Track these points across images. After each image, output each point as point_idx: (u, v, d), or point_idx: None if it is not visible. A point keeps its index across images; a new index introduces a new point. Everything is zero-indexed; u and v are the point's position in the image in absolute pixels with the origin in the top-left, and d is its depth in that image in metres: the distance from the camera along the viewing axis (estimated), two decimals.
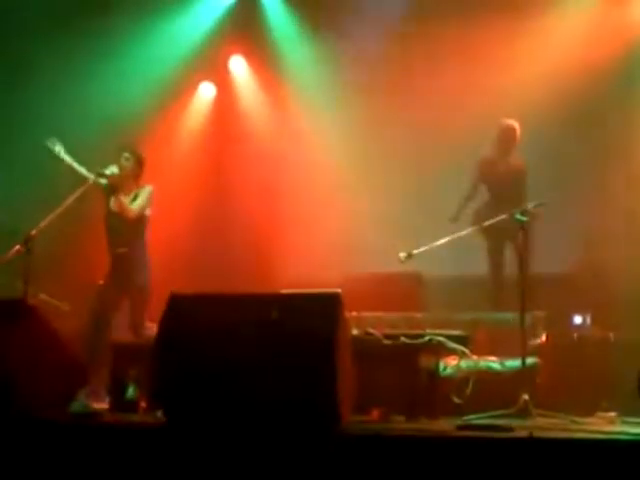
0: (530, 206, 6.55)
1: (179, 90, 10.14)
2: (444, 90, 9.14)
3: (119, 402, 6.20)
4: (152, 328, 6.06)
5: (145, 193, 7.65)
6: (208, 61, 10.26)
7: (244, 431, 4.73)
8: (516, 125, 8.22)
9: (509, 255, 7.91)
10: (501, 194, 8.07)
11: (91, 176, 7.44)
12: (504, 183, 8.14)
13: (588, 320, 7.25)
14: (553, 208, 7.07)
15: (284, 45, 10.20)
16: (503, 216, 6.67)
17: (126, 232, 7.59)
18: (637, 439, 4.60)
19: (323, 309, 4.87)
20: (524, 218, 6.35)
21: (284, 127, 10.14)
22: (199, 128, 10.38)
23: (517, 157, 8.29)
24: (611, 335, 6.94)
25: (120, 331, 7.48)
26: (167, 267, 8.79)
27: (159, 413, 5.18)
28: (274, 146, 10.16)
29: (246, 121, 10.35)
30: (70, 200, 7.07)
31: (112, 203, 7.67)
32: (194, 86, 10.45)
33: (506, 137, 8.23)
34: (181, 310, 5.04)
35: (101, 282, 7.62)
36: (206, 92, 10.54)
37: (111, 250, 7.64)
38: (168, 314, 5.02)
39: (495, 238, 7.90)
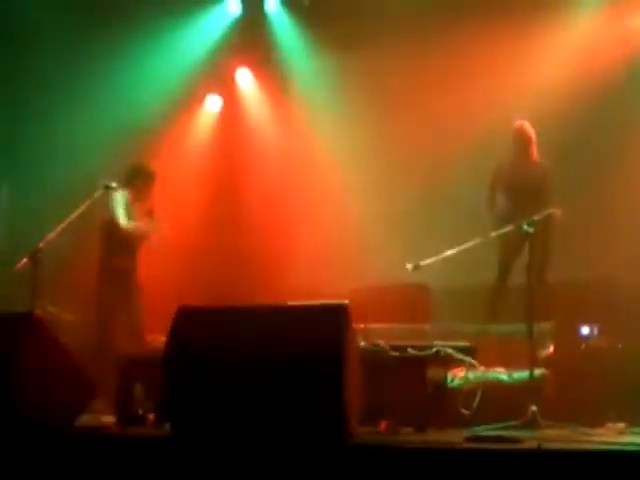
0: (537, 217, 6.55)
1: (186, 102, 10.18)
2: (451, 99, 9.14)
3: (126, 415, 6.18)
4: (159, 340, 6.07)
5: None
6: (215, 73, 10.30)
7: (251, 443, 4.73)
8: (527, 124, 8.08)
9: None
10: (521, 198, 7.87)
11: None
12: (524, 187, 7.96)
13: (595, 331, 7.22)
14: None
15: (290, 57, 10.23)
16: (509, 227, 6.65)
17: (138, 246, 8.08)
18: None
19: (330, 321, 4.86)
20: (531, 229, 6.33)
21: (290, 139, 10.17)
22: (206, 140, 10.40)
23: (538, 159, 8.12)
24: (619, 345, 6.91)
25: None
26: (174, 278, 8.84)
27: (167, 426, 5.17)
28: (280, 158, 10.18)
29: (252, 133, 10.38)
30: (77, 213, 7.09)
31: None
32: (201, 98, 10.48)
33: (519, 138, 8.08)
34: (189, 323, 5.04)
35: (102, 295, 7.79)
36: (213, 104, 10.57)
37: (119, 262, 7.81)
38: (176, 327, 5.02)
39: (508, 245, 7.79)
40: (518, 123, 8.11)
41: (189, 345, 4.97)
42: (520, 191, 7.97)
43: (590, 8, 9.07)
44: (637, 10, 9.11)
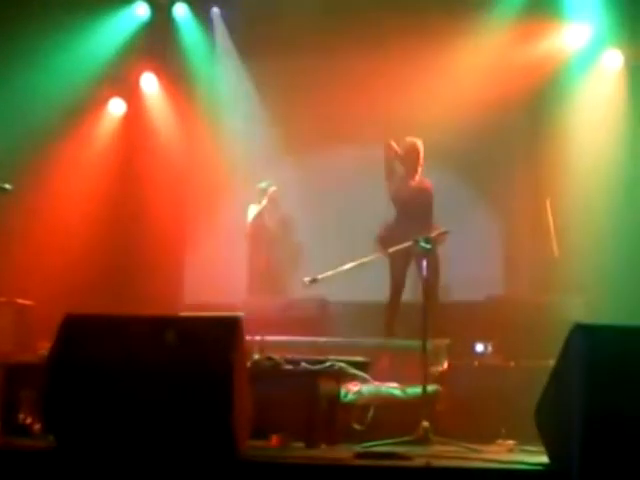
0: (434, 234, 6.61)
1: (88, 105, 9.97)
2: (356, 110, 9.19)
3: (10, 425, 5.98)
4: (47, 347, 5.88)
5: None
6: (119, 77, 10.14)
7: (138, 458, 4.61)
8: (418, 143, 8.20)
9: (414, 280, 7.94)
10: (407, 214, 8.04)
11: None
12: (410, 203, 8.09)
13: (489, 348, 7.30)
14: (459, 235, 7.16)
15: (196, 63, 10.15)
16: (408, 243, 6.67)
17: None
18: (533, 469, 4.61)
19: (221, 333, 4.77)
20: (428, 246, 6.38)
21: (193, 146, 10.09)
22: (107, 144, 10.21)
23: (424, 178, 8.25)
24: (511, 363, 7.00)
25: None
26: (70, 285, 8.65)
27: (51, 437, 5.01)
28: (183, 164, 10.08)
29: (155, 139, 10.24)
30: None
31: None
32: (104, 102, 10.30)
33: (409, 155, 8.21)
34: (75, 331, 4.89)
35: None
36: (116, 108, 10.39)
37: None
38: (61, 335, 4.87)
39: (399, 261, 7.88)
40: (410, 141, 8.21)
41: (74, 353, 4.83)
42: (406, 207, 8.08)
43: (499, 29, 9.22)
44: (544, 34, 9.30)
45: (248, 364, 5.46)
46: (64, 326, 4.89)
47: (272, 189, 9.27)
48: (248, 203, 9.43)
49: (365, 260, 6.87)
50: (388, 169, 8.28)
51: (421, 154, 8.18)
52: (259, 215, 9.27)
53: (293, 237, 9.35)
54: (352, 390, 6.32)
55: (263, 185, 9.28)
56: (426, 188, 8.18)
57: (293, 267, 8.41)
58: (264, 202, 9.24)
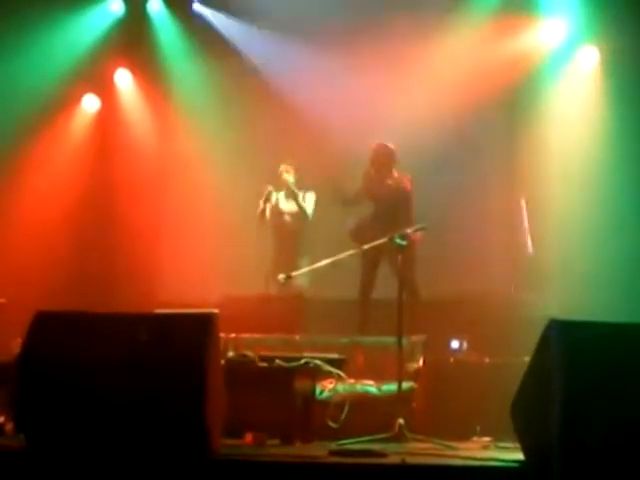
0: (409, 230, 6.58)
1: (62, 101, 9.91)
2: (330, 108, 9.17)
3: None
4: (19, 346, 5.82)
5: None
6: (93, 74, 10.07)
7: (109, 456, 4.57)
8: (381, 147, 8.08)
9: (388, 277, 7.91)
10: (383, 213, 7.97)
11: None
12: (386, 202, 8.02)
13: (465, 345, 7.31)
14: (432, 232, 7.16)
15: (171, 60, 10.12)
16: (383, 240, 6.65)
17: None
18: (509, 465, 4.61)
19: (194, 330, 4.74)
20: (404, 242, 6.35)
21: (168, 143, 10.05)
22: (81, 141, 10.14)
23: (401, 177, 8.16)
24: (486, 360, 7.01)
25: None
26: (43, 282, 8.59)
27: (22, 437, 4.96)
28: (157, 161, 10.03)
29: (130, 135, 10.18)
30: None
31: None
32: (78, 98, 10.23)
33: (377, 157, 8.11)
34: (47, 329, 4.83)
35: None
36: (90, 105, 10.32)
37: None
38: (32, 333, 4.81)
39: (372, 258, 7.85)
40: (378, 143, 8.11)
41: (45, 351, 4.77)
42: (383, 205, 8.05)
43: (474, 26, 9.23)
44: (520, 31, 9.31)
45: (222, 362, 5.42)
46: (35, 323, 4.84)
47: (283, 173, 8.86)
48: (225, 200, 9.40)
49: (340, 257, 6.86)
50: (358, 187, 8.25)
51: (389, 155, 8.09)
52: (275, 203, 8.87)
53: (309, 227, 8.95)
54: (327, 387, 6.30)
55: (281, 168, 8.86)
56: (404, 185, 8.10)
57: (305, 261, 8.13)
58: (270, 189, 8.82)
